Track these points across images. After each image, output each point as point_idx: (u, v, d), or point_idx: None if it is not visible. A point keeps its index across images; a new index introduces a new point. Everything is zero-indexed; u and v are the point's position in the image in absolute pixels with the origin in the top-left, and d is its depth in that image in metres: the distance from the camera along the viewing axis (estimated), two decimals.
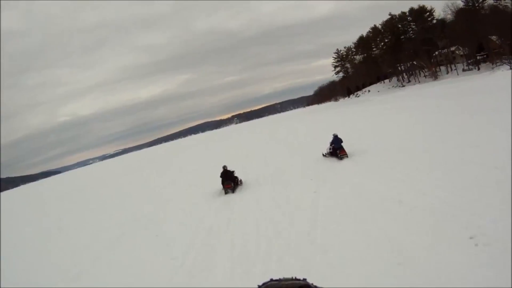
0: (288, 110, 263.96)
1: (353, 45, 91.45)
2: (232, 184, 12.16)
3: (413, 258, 4.82)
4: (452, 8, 55.75)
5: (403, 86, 69.89)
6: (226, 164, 12.98)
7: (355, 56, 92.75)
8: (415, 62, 66.26)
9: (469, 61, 55.95)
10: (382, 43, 79.27)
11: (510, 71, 35.75)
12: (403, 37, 72.38)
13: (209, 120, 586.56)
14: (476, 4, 54.80)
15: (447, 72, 58.97)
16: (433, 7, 66.25)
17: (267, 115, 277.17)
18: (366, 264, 5.00)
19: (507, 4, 51.03)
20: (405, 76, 74.14)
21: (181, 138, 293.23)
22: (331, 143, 13.29)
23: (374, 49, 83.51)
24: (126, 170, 40.90)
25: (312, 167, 12.80)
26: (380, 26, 78.08)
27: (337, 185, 9.51)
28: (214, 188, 13.13)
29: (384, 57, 74.10)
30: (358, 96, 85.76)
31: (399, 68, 74.40)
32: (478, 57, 53.48)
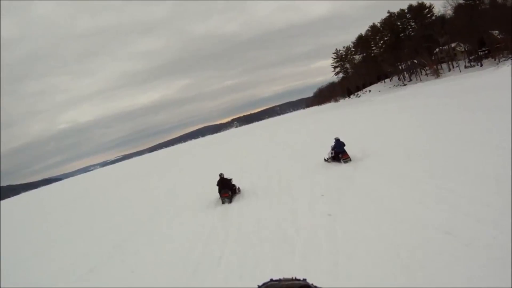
0: (287, 112, 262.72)
1: (352, 45, 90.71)
2: (230, 193, 11.51)
3: None
4: (452, 3, 54.75)
5: (405, 85, 68.86)
6: (222, 172, 12.38)
7: (354, 56, 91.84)
8: (415, 61, 65.40)
9: (470, 58, 55.02)
10: (382, 42, 78.38)
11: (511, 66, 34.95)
12: (402, 34, 71.51)
13: (209, 124, 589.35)
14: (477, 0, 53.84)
15: (449, 70, 58.00)
16: (432, 3, 65.44)
17: (267, 118, 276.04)
18: None
19: None
20: (406, 75, 73.17)
21: (181, 143, 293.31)
22: (333, 148, 12.69)
23: (373, 48, 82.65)
24: (123, 178, 40.07)
25: (318, 175, 11.67)
26: (379, 25, 77.25)
27: (355, 204, 7.68)
28: (211, 197, 12.48)
29: (384, 56, 73.13)
30: (359, 97, 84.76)
31: (400, 67, 73.46)
32: (480, 53, 52.58)
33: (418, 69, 66.64)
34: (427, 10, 66.15)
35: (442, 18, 59.96)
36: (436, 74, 58.35)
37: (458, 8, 56.05)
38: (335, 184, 9.82)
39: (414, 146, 11.60)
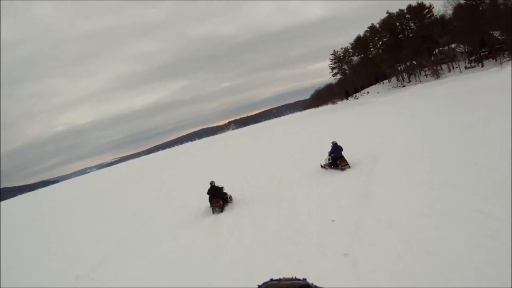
0: (284, 115, 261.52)
1: (350, 46, 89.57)
2: (221, 202, 10.85)
3: None
4: (453, 3, 53.76)
5: (404, 86, 67.75)
6: (213, 180, 11.71)
7: (352, 57, 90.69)
8: (414, 62, 64.36)
9: (471, 58, 54.06)
10: (381, 42, 77.31)
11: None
12: (401, 35, 70.50)
13: (206, 126, 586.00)
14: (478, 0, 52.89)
15: (449, 70, 56.94)
16: (432, 3, 64.48)
17: (264, 120, 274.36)
18: None
19: None
20: (405, 76, 72.12)
21: (178, 145, 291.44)
22: (330, 153, 11.79)
23: (372, 49, 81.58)
24: (114, 184, 38.52)
25: (321, 186, 10.29)
26: (377, 25, 76.20)
27: (374, 233, 5.93)
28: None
29: (383, 57, 72.01)
30: (357, 98, 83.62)
31: (399, 68, 72.42)
32: (481, 54, 51.62)
33: (418, 70, 65.60)
34: (426, 10, 65.16)
35: (442, 18, 58.95)
36: (436, 75, 57.22)
37: (458, 8, 55.09)
38: (344, 200, 8.23)
39: (422, 153, 10.44)
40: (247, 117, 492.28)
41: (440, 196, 6.65)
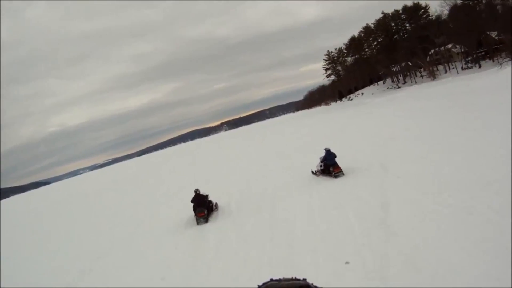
0: (277, 116, 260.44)
1: (344, 47, 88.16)
2: (206, 212, 10.25)
3: None
4: (449, 3, 52.71)
5: (399, 87, 66.53)
6: (198, 188, 11.07)
7: (346, 58, 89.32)
8: (410, 63, 63.18)
9: (467, 59, 53.08)
10: (375, 43, 76.03)
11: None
12: (396, 36, 69.30)
13: (199, 127, 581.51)
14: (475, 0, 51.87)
15: (445, 71, 55.83)
16: (428, 3, 63.34)
17: (256, 121, 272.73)
18: None
19: None
20: (400, 77, 70.93)
21: (171, 146, 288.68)
22: (323, 159, 11.33)
23: (366, 49, 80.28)
24: (100, 187, 37.10)
25: (313, 193, 9.06)
26: (372, 26, 74.89)
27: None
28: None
29: (377, 58, 70.66)
30: (351, 100, 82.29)
31: (393, 69, 71.21)
32: (478, 54, 50.64)
33: (413, 71, 64.42)
34: (422, 10, 64.02)
35: (438, 18, 57.85)
36: (432, 76, 56.05)
37: (454, 9, 54.03)
38: (356, 226, 6.33)
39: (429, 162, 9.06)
40: (240, 118, 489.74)
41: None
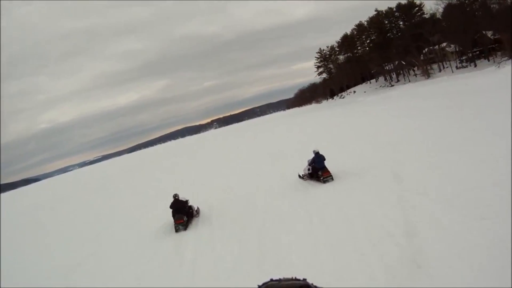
0: (267, 114, 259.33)
1: (336, 45, 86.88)
2: (185, 218, 9.74)
3: None
4: (444, 1, 51.82)
5: (392, 85, 65.56)
6: (177, 193, 10.43)
7: (338, 56, 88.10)
8: (403, 62, 62.26)
9: (462, 58, 52.34)
10: (368, 41, 74.90)
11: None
12: (389, 34, 68.30)
13: (189, 125, 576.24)
14: None
15: (440, 70, 54.95)
16: (422, 2, 62.37)
17: (247, 119, 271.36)
18: None
19: None
20: (393, 76, 70.00)
21: (160, 143, 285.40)
22: (311, 163, 10.77)
23: (359, 47, 79.15)
24: (83, 187, 36.21)
25: (328, 219, 7.55)
26: (365, 23, 73.72)
27: None
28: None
29: (370, 55, 69.55)
30: (343, 98, 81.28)
31: (387, 67, 70.23)
32: (473, 53, 49.89)
33: (407, 70, 63.50)
34: (417, 8, 63.06)
35: (433, 17, 56.94)
36: (427, 74, 55.10)
37: (449, 7, 53.19)
38: (375, 262, 4.83)
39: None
40: (230, 115, 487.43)
41: None
